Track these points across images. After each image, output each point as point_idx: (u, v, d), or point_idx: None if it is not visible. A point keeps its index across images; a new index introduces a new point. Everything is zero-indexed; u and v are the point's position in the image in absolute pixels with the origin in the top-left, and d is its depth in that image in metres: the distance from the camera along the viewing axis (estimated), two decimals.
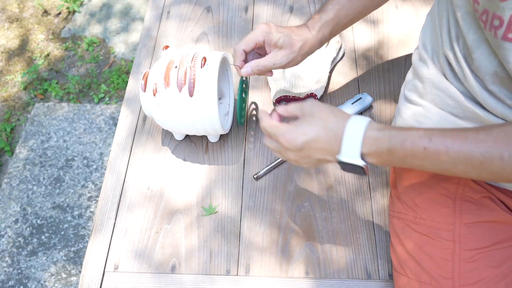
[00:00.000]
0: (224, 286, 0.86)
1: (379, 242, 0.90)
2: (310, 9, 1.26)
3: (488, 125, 0.64)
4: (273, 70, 1.07)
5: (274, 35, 0.85)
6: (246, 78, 0.97)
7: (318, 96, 1.06)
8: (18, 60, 2.05)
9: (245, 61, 0.89)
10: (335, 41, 1.12)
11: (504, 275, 0.70)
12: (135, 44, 2.08)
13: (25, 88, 1.96)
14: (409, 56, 1.15)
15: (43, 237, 1.58)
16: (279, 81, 1.08)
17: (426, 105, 0.77)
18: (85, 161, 1.74)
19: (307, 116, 0.71)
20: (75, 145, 1.79)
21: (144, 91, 0.93)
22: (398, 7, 1.26)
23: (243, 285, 0.86)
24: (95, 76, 1.99)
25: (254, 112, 1.07)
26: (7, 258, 1.54)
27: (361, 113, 1.06)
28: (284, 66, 0.87)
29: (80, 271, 1.50)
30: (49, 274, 1.51)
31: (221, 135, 1.02)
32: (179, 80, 0.89)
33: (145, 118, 1.07)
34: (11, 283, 1.50)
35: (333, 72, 1.13)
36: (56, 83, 1.97)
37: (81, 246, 1.56)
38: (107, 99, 1.92)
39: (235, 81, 1.07)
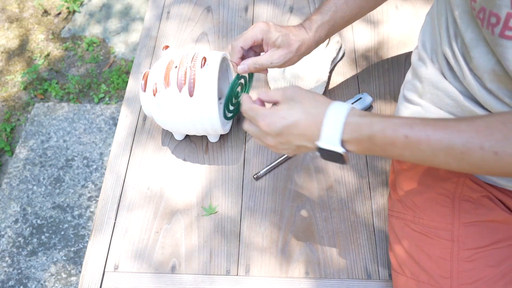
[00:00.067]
0: (224, 286, 0.86)
1: (379, 242, 0.90)
2: (310, 9, 1.26)
3: (470, 116, 0.64)
4: (271, 70, 1.08)
5: (272, 34, 0.85)
6: (246, 75, 0.97)
7: None
8: (18, 60, 2.05)
9: (242, 58, 0.89)
10: (335, 41, 1.12)
11: (503, 275, 0.70)
12: (135, 44, 2.08)
13: (25, 88, 1.96)
14: (409, 56, 1.15)
15: (43, 237, 1.58)
16: (279, 81, 1.08)
17: (425, 104, 0.78)
18: (85, 161, 1.74)
19: (288, 101, 0.70)
20: (75, 145, 1.79)
21: (144, 91, 0.93)
22: (398, 7, 1.26)
23: (243, 285, 0.86)
24: (95, 76, 1.99)
25: None
26: (7, 258, 1.55)
27: None
28: (280, 66, 0.87)
29: (80, 271, 1.50)
30: (49, 274, 1.51)
31: (221, 135, 1.03)
32: (179, 80, 0.89)
33: (145, 118, 1.07)
34: (11, 283, 1.50)
35: (333, 72, 1.13)
36: (56, 83, 1.97)
37: (81, 246, 1.56)
38: (107, 99, 1.92)
39: None
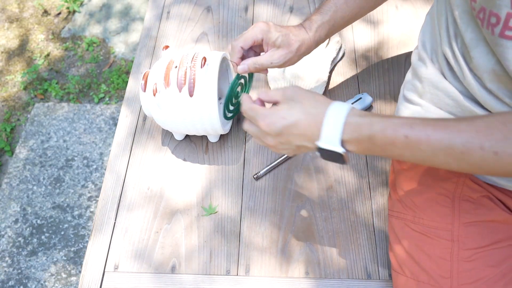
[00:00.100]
0: (224, 286, 0.86)
1: (379, 242, 0.90)
2: (310, 9, 1.26)
3: (470, 116, 0.64)
4: (271, 70, 1.08)
5: (272, 34, 0.85)
6: (246, 75, 0.96)
7: None
8: (18, 60, 2.05)
9: (242, 58, 0.89)
10: (335, 41, 1.12)
11: (503, 275, 0.70)
12: (135, 44, 2.08)
13: (25, 88, 1.96)
14: (409, 56, 1.15)
15: (43, 237, 1.58)
16: (279, 81, 1.08)
17: (425, 104, 0.78)
18: (85, 161, 1.74)
19: (288, 101, 0.70)
20: (75, 145, 1.79)
21: (144, 91, 0.93)
22: (398, 7, 1.26)
23: (243, 285, 0.86)
24: (95, 76, 1.99)
25: None
26: (7, 258, 1.55)
27: None
28: (280, 66, 0.87)
29: (80, 271, 1.50)
30: (49, 274, 1.51)
31: (221, 135, 1.03)
32: (179, 80, 0.89)
33: (145, 118, 1.07)
34: (11, 283, 1.50)
35: (333, 72, 1.13)
36: (56, 83, 1.97)
37: (81, 246, 1.56)
38: (107, 99, 1.92)
39: None
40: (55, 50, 2.07)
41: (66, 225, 1.60)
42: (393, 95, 1.09)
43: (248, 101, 0.74)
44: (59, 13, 2.19)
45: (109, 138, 1.80)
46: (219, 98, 1.04)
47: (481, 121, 0.60)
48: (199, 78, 0.89)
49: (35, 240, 1.58)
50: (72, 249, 1.56)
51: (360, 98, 1.05)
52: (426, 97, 0.77)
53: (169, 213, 0.94)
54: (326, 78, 1.08)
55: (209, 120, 0.91)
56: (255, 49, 0.91)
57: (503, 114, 0.61)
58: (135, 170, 1.00)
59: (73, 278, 1.50)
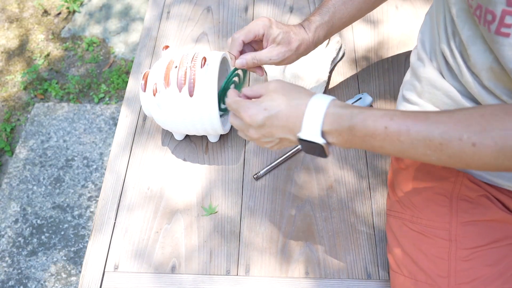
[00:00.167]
0: (224, 286, 0.86)
1: (379, 242, 0.90)
2: (310, 9, 1.26)
3: (451, 109, 0.64)
4: (271, 70, 1.08)
5: (274, 30, 0.85)
6: (241, 72, 0.96)
7: None
8: (18, 60, 2.05)
9: (240, 52, 0.88)
10: (335, 41, 1.12)
11: (500, 274, 0.70)
12: (135, 44, 2.08)
13: (25, 88, 1.96)
14: (409, 56, 1.15)
15: (43, 237, 1.58)
16: None
17: (424, 104, 0.78)
18: (85, 161, 1.75)
19: (271, 93, 0.70)
20: (75, 145, 1.79)
21: (144, 91, 0.93)
22: (398, 7, 1.26)
23: (243, 285, 0.86)
24: (95, 76, 1.99)
25: None
26: (7, 258, 1.55)
27: None
28: (278, 63, 0.87)
29: (80, 271, 1.50)
30: (49, 274, 1.51)
31: (221, 135, 1.03)
32: (179, 80, 0.90)
33: (145, 118, 1.08)
34: (11, 283, 1.50)
35: (333, 72, 1.13)
36: (56, 83, 1.97)
37: (81, 246, 1.56)
38: (107, 99, 1.92)
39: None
40: (55, 50, 2.07)
41: (66, 225, 1.61)
42: (393, 95, 1.09)
43: (233, 95, 0.75)
44: (59, 13, 2.19)
45: (109, 138, 1.80)
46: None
47: (460, 113, 0.60)
48: (199, 78, 0.89)
49: (35, 240, 1.58)
50: (72, 249, 1.56)
51: (360, 98, 1.06)
52: (425, 96, 0.77)
53: (169, 213, 0.94)
54: (326, 78, 1.08)
55: (209, 120, 0.91)
56: (253, 45, 0.90)
57: (482, 107, 0.62)
58: (135, 170, 1.00)
59: (73, 278, 1.50)
